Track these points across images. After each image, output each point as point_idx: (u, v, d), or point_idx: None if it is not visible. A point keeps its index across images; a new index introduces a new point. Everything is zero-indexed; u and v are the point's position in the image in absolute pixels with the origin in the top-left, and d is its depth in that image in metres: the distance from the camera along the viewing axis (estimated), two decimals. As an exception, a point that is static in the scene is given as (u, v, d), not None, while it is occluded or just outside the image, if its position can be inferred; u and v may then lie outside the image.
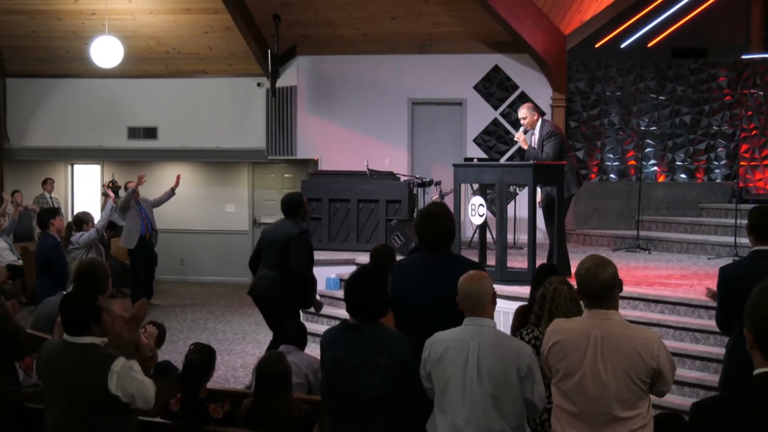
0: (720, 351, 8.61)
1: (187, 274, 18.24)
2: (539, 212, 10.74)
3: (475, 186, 12.31)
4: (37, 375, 5.04)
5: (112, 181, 16.78)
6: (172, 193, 15.08)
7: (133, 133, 17.89)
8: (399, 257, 7.42)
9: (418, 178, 14.56)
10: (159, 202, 15.18)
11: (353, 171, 14.59)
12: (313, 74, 16.54)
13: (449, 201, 12.60)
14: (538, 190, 10.57)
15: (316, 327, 11.41)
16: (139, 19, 16.40)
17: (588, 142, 15.79)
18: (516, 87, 15.83)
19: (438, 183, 14.56)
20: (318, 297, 9.78)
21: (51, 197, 17.23)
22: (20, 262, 14.69)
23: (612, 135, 15.77)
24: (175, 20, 16.39)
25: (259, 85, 17.04)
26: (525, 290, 8.61)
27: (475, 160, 11.70)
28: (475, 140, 15.98)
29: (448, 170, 11.58)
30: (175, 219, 17.51)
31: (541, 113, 11.21)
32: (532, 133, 10.72)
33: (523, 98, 15.46)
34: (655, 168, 15.68)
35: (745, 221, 13.33)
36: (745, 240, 12.83)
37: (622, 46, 15.64)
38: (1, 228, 15.04)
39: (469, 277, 4.97)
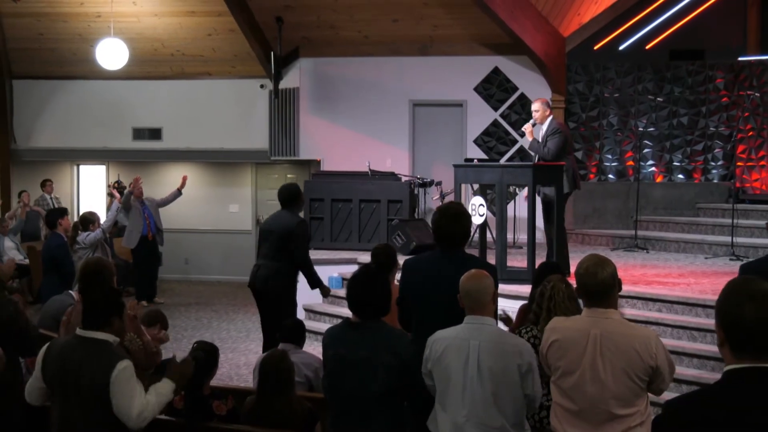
0: (716, 349, 8.60)
1: (192, 273, 18.25)
2: (539, 212, 10.73)
3: (476, 186, 12.30)
4: (42, 372, 5.00)
5: (118, 182, 16.79)
6: (178, 193, 15.06)
7: (138, 134, 17.89)
8: (400, 257, 7.42)
9: (419, 179, 14.56)
10: (165, 202, 15.17)
11: (355, 171, 14.59)
12: (315, 76, 16.54)
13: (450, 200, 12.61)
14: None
15: (319, 325, 11.41)
16: (144, 22, 16.41)
17: (587, 143, 15.78)
18: (516, 88, 15.82)
19: (439, 183, 14.56)
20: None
21: (51, 198, 17.21)
22: (27, 261, 14.70)
23: (610, 136, 15.77)
24: (179, 23, 16.39)
25: (262, 86, 17.03)
26: (525, 289, 8.62)
27: (475, 160, 11.70)
28: (475, 141, 15.97)
29: (449, 171, 11.57)
30: (180, 219, 17.51)
31: (551, 110, 11.20)
32: (540, 128, 10.73)
33: (523, 100, 15.48)
34: (653, 168, 15.67)
35: (741, 221, 13.40)
36: (741, 239, 12.89)
37: (621, 48, 15.64)
38: (8, 228, 15.04)
39: (470, 276, 4.97)
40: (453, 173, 11.03)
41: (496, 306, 5.16)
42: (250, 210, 18.29)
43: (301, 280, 9.36)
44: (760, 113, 15.13)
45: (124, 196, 14.50)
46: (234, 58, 16.98)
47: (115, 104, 17.69)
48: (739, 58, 15.28)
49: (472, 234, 12.67)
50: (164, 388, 5.07)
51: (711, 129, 15.51)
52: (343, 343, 5.09)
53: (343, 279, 12.36)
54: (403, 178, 14.40)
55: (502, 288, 9.52)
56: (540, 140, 10.65)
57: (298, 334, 7.51)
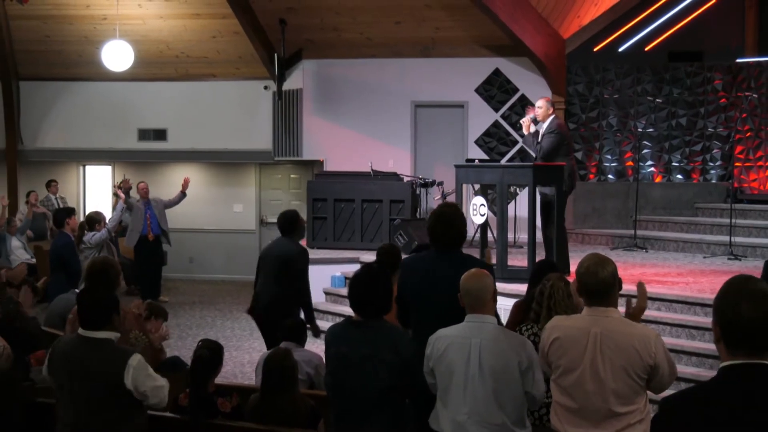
0: (714, 347, 8.61)
1: (196, 272, 18.25)
2: (539, 212, 10.74)
3: (477, 186, 12.30)
4: (48, 370, 5.01)
5: (125, 180, 16.79)
6: (183, 195, 15.02)
7: (144, 134, 17.90)
8: (403, 256, 7.41)
9: (420, 179, 14.56)
10: (171, 204, 15.15)
11: (357, 172, 14.59)
12: (318, 77, 16.54)
13: (451, 201, 12.60)
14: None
15: (321, 324, 11.40)
16: (150, 24, 16.42)
17: (586, 144, 15.78)
18: (516, 90, 15.82)
19: (440, 183, 14.56)
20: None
21: (56, 198, 17.21)
22: (33, 260, 14.71)
23: (610, 136, 15.76)
24: (184, 25, 16.40)
25: (266, 88, 17.04)
26: (525, 288, 8.61)
27: (476, 161, 11.72)
28: (476, 142, 15.97)
29: (450, 171, 11.58)
30: (185, 218, 17.50)
31: (554, 110, 11.20)
32: (541, 126, 10.74)
33: (523, 101, 15.48)
34: (652, 169, 15.67)
35: (740, 221, 13.39)
36: (739, 239, 12.89)
37: (620, 49, 15.64)
38: (15, 227, 15.05)
39: (470, 275, 4.97)
40: (454, 173, 11.04)
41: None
42: (254, 210, 18.30)
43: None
44: (758, 114, 15.12)
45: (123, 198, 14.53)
46: (238, 60, 16.99)
47: (120, 105, 17.70)
48: (737, 60, 15.28)
49: (474, 233, 12.69)
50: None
51: (709, 130, 15.51)
52: (345, 341, 5.08)
53: (346, 278, 12.37)
54: (405, 179, 14.40)
55: (503, 287, 9.53)
56: (538, 138, 10.67)
57: (298, 333, 7.51)
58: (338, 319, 10.22)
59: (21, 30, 17.00)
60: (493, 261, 10.32)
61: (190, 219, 17.85)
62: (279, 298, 8.70)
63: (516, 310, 6.67)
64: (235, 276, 17.46)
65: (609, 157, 15.79)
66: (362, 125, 16.29)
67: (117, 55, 15.65)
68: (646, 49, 15.58)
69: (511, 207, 12.78)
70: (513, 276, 10.22)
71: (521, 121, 11.04)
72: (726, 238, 12.83)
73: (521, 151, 15.46)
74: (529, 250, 10.29)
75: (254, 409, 5.85)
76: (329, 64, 16.48)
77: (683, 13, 15.38)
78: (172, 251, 15.78)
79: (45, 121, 18.14)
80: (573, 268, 5.02)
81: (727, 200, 14.42)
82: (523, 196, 13.43)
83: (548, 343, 4.68)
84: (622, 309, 4.67)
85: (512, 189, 13.67)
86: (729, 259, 12.41)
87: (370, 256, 10.40)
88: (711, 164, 15.55)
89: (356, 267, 10.59)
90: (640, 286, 4.84)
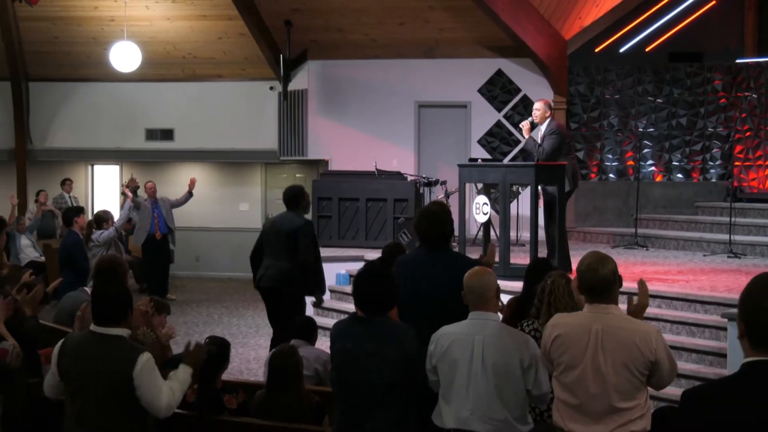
0: (714, 344, 8.61)
1: (203, 270, 18.26)
2: (540, 211, 10.74)
3: (479, 185, 12.30)
4: (57, 366, 4.99)
5: (132, 179, 16.80)
6: (189, 195, 15.03)
7: (151, 134, 17.91)
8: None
9: (424, 178, 14.56)
10: (178, 203, 15.14)
11: (362, 171, 14.59)
12: (323, 78, 16.55)
13: (454, 200, 12.61)
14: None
15: (326, 321, 11.41)
16: (157, 26, 16.43)
17: (588, 143, 15.77)
18: (518, 90, 15.82)
19: (443, 183, 14.56)
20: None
21: (70, 197, 17.25)
22: (42, 258, 14.73)
23: (611, 136, 15.75)
24: (191, 26, 16.41)
25: (271, 88, 17.04)
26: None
27: (479, 160, 11.71)
28: (479, 141, 15.97)
29: (453, 170, 11.58)
30: (191, 217, 17.51)
31: (553, 112, 11.19)
32: (539, 129, 10.74)
33: (526, 101, 15.48)
34: (653, 168, 15.66)
35: (739, 219, 13.38)
36: (738, 237, 12.87)
37: (621, 50, 15.63)
38: (24, 226, 15.07)
39: (473, 273, 4.98)
40: (457, 173, 11.04)
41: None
42: (260, 209, 18.30)
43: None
44: (757, 114, 15.10)
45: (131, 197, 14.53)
46: (244, 61, 16.99)
47: (128, 106, 17.72)
48: (737, 61, 15.26)
49: (477, 231, 12.70)
50: (183, 374, 5.11)
51: (709, 129, 15.50)
52: (349, 337, 5.08)
53: (351, 276, 12.37)
54: (409, 178, 14.40)
55: (506, 284, 9.52)
56: (538, 140, 10.67)
57: (308, 330, 7.52)
58: (343, 317, 10.23)
59: (30, 31, 17.01)
60: (496, 259, 10.36)
61: (197, 218, 17.86)
62: (288, 271, 8.81)
63: (510, 307, 6.67)
64: (241, 274, 17.35)
65: (610, 156, 15.79)
66: (367, 125, 16.30)
67: (125, 56, 15.67)
68: (647, 49, 15.57)
69: (513, 206, 12.79)
70: (515, 274, 10.19)
71: (520, 125, 11.04)
72: (725, 237, 12.82)
73: (523, 150, 15.44)
74: (531, 248, 10.28)
75: (260, 405, 5.86)
76: (334, 65, 16.48)
77: (683, 14, 15.38)
78: (179, 249, 15.77)
79: (54, 121, 18.16)
80: (574, 266, 5.02)
81: (727, 199, 14.41)
82: (525, 194, 13.45)
83: (550, 341, 4.68)
84: (623, 306, 4.67)
85: (514, 188, 13.67)
86: (729, 257, 12.39)
87: (374, 254, 10.39)
88: (711, 163, 15.54)
89: (361, 265, 10.63)
90: (642, 284, 4.84)
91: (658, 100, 15.56)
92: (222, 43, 16.70)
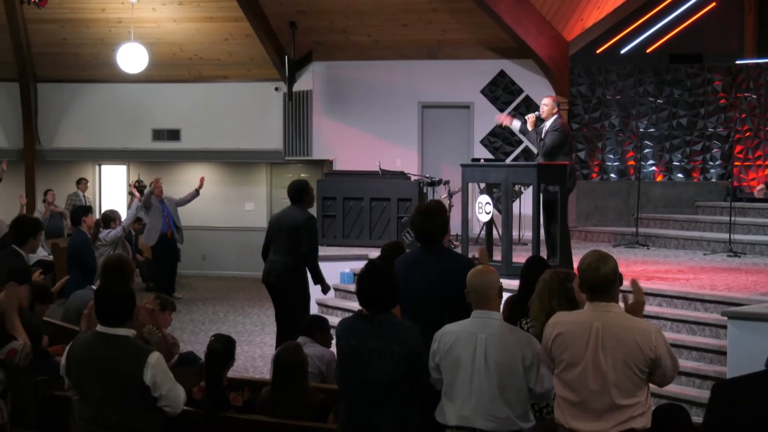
0: (714, 342, 8.60)
1: (209, 268, 18.28)
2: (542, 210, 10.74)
3: (482, 185, 12.30)
4: (66, 367, 5.00)
5: (138, 181, 16.84)
6: (196, 193, 15.04)
7: (158, 135, 17.93)
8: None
9: (427, 178, 14.54)
10: (183, 202, 15.15)
11: (366, 171, 14.58)
12: (327, 79, 16.55)
13: (457, 199, 12.61)
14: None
15: (331, 319, 11.39)
16: (163, 27, 16.44)
17: (589, 143, 15.77)
18: (521, 91, 15.81)
19: (446, 182, 14.54)
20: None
21: (84, 196, 17.27)
22: (51, 257, 14.74)
23: (612, 136, 15.74)
24: (197, 28, 16.42)
25: (276, 89, 17.05)
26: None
27: (481, 160, 11.71)
28: (481, 142, 15.97)
29: (457, 170, 11.56)
30: (197, 216, 17.54)
31: (559, 109, 11.17)
32: (544, 124, 10.74)
33: (528, 102, 15.47)
34: (654, 168, 15.65)
35: (739, 218, 13.35)
36: (738, 236, 12.86)
37: (622, 51, 15.62)
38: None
39: (476, 272, 4.98)
40: (460, 172, 11.03)
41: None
42: (265, 208, 18.30)
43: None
44: (757, 114, 15.09)
45: (144, 195, 14.51)
46: (250, 62, 17.00)
47: (135, 106, 17.74)
48: (737, 62, 15.24)
49: (480, 230, 12.69)
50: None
51: (709, 130, 15.48)
52: (354, 334, 5.09)
53: (355, 274, 12.37)
54: (413, 178, 14.39)
55: (508, 283, 9.51)
56: (542, 136, 10.68)
57: (314, 327, 7.51)
58: (348, 315, 10.22)
59: (39, 33, 17.04)
60: (498, 258, 10.36)
61: (203, 217, 17.89)
62: (291, 265, 8.84)
63: (508, 305, 6.66)
64: (247, 272, 17.45)
65: (611, 156, 15.78)
66: (370, 125, 16.30)
67: (132, 58, 15.71)
68: (648, 51, 15.56)
69: (515, 205, 12.78)
70: (518, 272, 10.15)
71: (526, 117, 11.06)
72: (725, 236, 12.80)
73: (526, 150, 15.46)
74: (533, 247, 10.27)
75: (265, 402, 5.87)
76: (338, 66, 16.48)
77: (684, 16, 15.36)
78: (185, 249, 15.80)
79: (62, 122, 18.18)
80: (576, 265, 5.00)
81: (727, 198, 14.39)
82: (527, 194, 13.43)
83: (551, 339, 4.68)
84: (622, 305, 4.68)
85: (517, 188, 13.66)
86: (728, 256, 12.37)
87: (378, 253, 10.38)
88: (711, 163, 15.53)
89: (365, 264, 10.64)
90: (634, 283, 4.85)
91: (659, 101, 15.54)
92: (228, 44, 16.71)
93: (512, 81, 15.86)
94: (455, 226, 12.15)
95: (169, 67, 17.25)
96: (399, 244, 7.68)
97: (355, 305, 11.11)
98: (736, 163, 15.29)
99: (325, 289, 9.57)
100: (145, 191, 14.72)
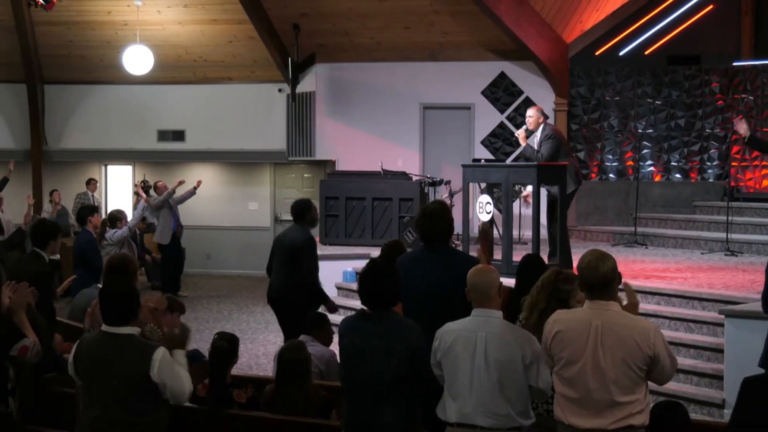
0: (712, 340, 8.60)
1: (213, 267, 18.29)
2: (544, 210, 10.73)
3: (483, 185, 12.30)
4: (73, 367, 5.00)
5: (144, 181, 16.84)
6: (193, 192, 15.14)
7: (163, 135, 17.94)
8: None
9: (429, 178, 14.54)
10: (182, 200, 15.23)
11: (368, 171, 14.58)
12: (330, 81, 16.55)
13: (458, 199, 12.60)
14: (529, 187, 10.61)
15: (334, 318, 11.39)
16: (169, 30, 16.45)
17: (589, 144, 15.76)
18: (521, 92, 15.81)
19: (448, 182, 14.54)
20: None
21: (93, 196, 17.25)
22: (57, 256, 14.70)
23: (611, 137, 15.74)
24: (202, 30, 16.43)
25: (280, 90, 17.04)
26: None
27: (482, 161, 11.71)
28: (482, 142, 15.97)
29: (458, 170, 11.56)
30: (202, 216, 17.57)
31: (546, 117, 11.19)
32: (534, 135, 10.75)
33: (528, 103, 15.44)
34: (652, 168, 15.64)
35: (736, 218, 13.36)
36: (735, 236, 12.85)
37: (621, 53, 15.61)
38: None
39: (476, 271, 4.98)
40: (461, 173, 11.03)
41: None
42: (269, 208, 18.32)
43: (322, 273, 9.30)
44: (754, 115, 15.05)
45: (164, 195, 14.56)
46: (253, 64, 17.00)
47: (140, 108, 17.75)
48: (734, 63, 15.23)
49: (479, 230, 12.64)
50: (182, 358, 5.15)
51: (707, 131, 15.47)
52: (357, 332, 5.09)
53: (357, 273, 12.36)
54: (414, 178, 14.39)
55: (509, 281, 9.50)
56: (536, 146, 10.66)
57: (313, 326, 7.50)
58: (350, 313, 10.22)
59: (45, 35, 17.05)
60: (498, 256, 10.36)
61: (208, 217, 17.91)
62: (289, 284, 8.79)
63: (504, 303, 6.66)
64: (251, 271, 17.46)
65: (610, 156, 15.77)
66: (373, 126, 16.30)
67: (137, 60, 15.74)
68: (646, 53, 15.55)
69: (516, 205, 12.78)
70: (518, 271, 10.18)
71: (516, 134, 11.05)
72: (723, 235, 12.79)
73: (522, 156, 15.43)
74: (533, 246, 10.27)
75: (269, 399, 5.87)
76: (341, 68, 16.48)
77: (682, 18, 15.35)
78: (189, 247, 15.80)
79: (68, 123, 18.18)
80: (575, 264, 5.01)
81: (724, 198, 14.37)
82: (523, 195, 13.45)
83: (550, 337, 4.69)
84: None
85: (517, 187, 13.65)
86: (726, 255, 12.37)
87: (380, 252, 10.35)
88: (708, 164, 15.52)
89: (367, 262, 10.62)
90: (626, 285, 4.88)
91: (657, 102, 15.53)
92: (232, 46, 16.71)
93: (512, 82, 15.86)
94: (455, 225, 12.12)
95: (174, 69, 17.26)
96: (399, 244, 7.68)
97: (357, 304, 11.12)
98: (733, 164, 15.27)
99: (331, 309, 9.26)
100: (166, 192, 14.73)
